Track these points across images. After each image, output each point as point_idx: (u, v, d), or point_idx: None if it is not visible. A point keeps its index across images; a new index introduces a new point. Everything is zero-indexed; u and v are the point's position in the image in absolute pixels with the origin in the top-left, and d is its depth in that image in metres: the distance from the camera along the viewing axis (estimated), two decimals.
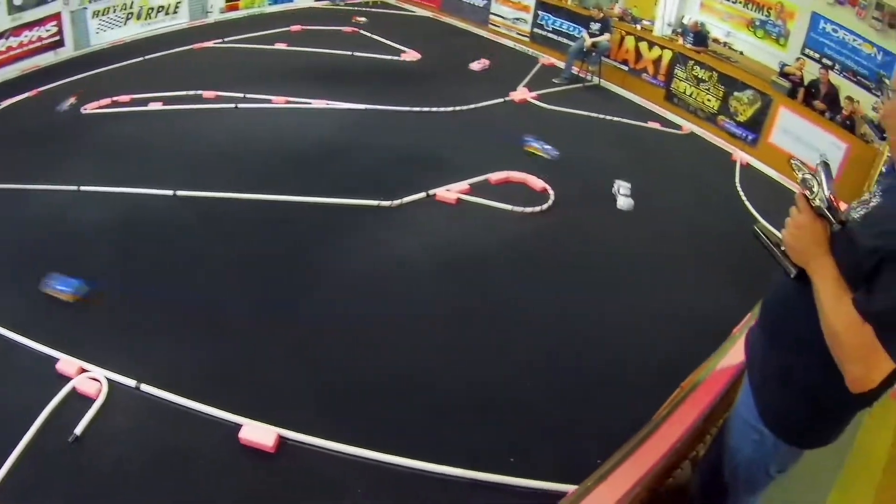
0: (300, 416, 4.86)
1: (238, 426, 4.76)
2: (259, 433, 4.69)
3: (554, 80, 11.71)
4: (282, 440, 4.67)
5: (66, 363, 5.24)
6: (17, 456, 4.49)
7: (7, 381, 5.21)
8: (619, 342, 5.83)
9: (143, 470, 4.50)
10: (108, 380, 5.12)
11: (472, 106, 10.34)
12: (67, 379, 5.11)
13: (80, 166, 7.84)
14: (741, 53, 11.20)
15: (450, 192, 7.63)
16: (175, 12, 12.89)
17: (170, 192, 7.37)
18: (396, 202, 7.40)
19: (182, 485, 4.41)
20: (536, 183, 7.99)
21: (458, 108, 10.20)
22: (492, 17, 14.11)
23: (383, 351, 5.56)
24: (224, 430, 4.76)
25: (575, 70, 11.90)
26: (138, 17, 12.25)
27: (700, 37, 11.33)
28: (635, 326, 6.03)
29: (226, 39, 12.41)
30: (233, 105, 9.63)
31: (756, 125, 10.06)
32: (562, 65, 12.15)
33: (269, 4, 14.95)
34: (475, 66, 12.02)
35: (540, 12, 13.10)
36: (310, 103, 9.87)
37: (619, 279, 6.68)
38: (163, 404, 4.98)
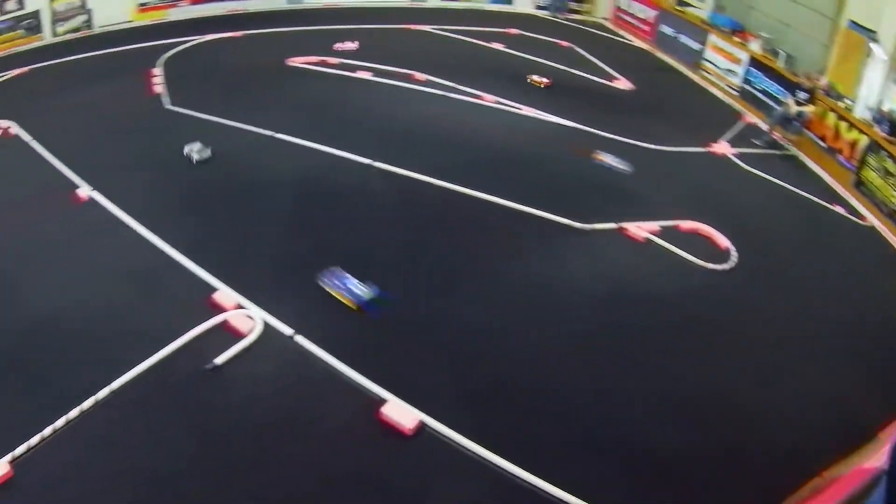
0: (441, 406, 4.94)
1: (380, 400, 4.88)
2: (401, 413, 4.77)
3: (754, 141, 11.84)
4: (422, 425, 4.79)
5: (224, 295, 5.53)
6: (148, 367, 4.79)
7: (160, 298, 5.50)
8: (755, 417, 5.74)
9: (271, 417, 4.66)
10: (265, 321, 5.35)
11: (675, 149, 10.52)
12: (221, 310, 5.37)
13: (279, 114, 8.31)
14: None
15: (640, 230, 7.93)
16: None
17: (366, 161, 7.75)
18: (588, 227, 7.67)
19: (303, 443, 4.54)
20: (721, 241, 8.18)
21: (659, 147, 10.38)
22: (704, 62, 14.36)
23: (537, 365, 5.67)
24: (364, 400, 4.89)
25: (775, 135, 12.02)
26: None
27: (894, 127, 11.14)
28: (776, 403, 5.97)
29: (442, 27, 12.79)
30: (442, 93, 10.01)
31: None
32: (763, 125, 12.29)
33: (490, 3, 15.39)
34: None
35: (751, 69, 13.27)
36: (519, 108, 10.25)
37: (772, 355, 6.60)
38: (312, 360, 5.14)
